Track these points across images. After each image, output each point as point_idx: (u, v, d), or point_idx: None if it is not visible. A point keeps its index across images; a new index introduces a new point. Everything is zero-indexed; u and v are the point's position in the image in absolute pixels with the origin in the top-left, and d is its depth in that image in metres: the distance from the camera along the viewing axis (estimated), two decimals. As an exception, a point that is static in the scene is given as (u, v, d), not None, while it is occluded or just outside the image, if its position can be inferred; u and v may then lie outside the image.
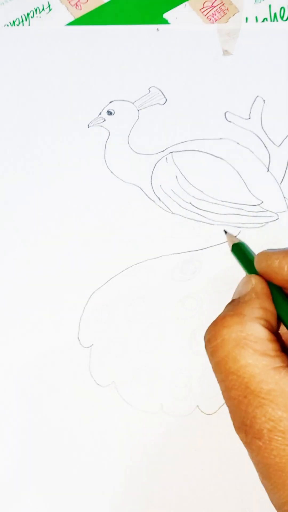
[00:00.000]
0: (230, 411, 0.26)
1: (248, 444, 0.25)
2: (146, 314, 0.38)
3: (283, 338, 0.30)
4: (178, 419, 0.36)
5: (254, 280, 0.30)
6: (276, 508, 0.25)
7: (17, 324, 0.38)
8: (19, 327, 0.38)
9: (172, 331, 0.37)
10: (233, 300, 0.29)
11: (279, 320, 0.29)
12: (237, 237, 0.36)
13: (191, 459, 0.36)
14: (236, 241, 0.34)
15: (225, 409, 0.35)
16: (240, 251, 0.33)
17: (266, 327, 0.27)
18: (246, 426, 0.25)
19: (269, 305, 0.28)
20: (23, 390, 0.37)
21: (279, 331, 0.30)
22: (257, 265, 0.30)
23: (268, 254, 0.30)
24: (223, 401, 0.35)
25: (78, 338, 0.38)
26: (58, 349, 0.37)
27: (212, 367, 0.27)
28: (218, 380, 0.27)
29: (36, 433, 0.36)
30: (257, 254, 0.31)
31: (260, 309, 0.27)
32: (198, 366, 0.37)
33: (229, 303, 0.29)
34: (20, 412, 0.37)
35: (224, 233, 0.36)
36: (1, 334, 0.38)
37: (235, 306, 0.28)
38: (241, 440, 0.26)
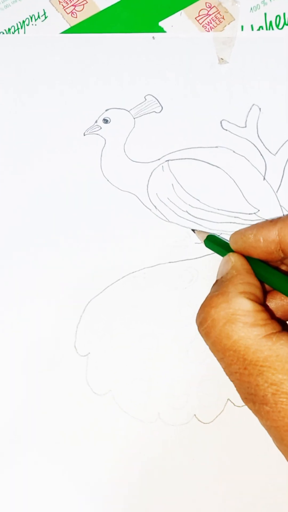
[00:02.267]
0: (235, 385, 0.27)
1: (257, 411, 0.26)
2: (143, 323, 0.38)
3: (279, 305, 0.32)
4: (175, 428, 0.36)
5: (233, 257, 0.31)
6: None
7: (13, 332, 0.38)
8: (16, 335, 0.38)
9: (169, 339, 0.37)
10: (216, 281, 0.31)
11: (270, 288, 0.31)
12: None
13: (189, 468, 0.36)
14: (207, 234, 0.36)
15: (222, 418, 0.36)
16: (214, 241, 0.35)
17: (252, 299, 0.28)
18: (252, 395, 0.26)
19: (251, 278, 0.30)
20: (19, 398, 0.37)
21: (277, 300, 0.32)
22: (233, 245, 0.32)
23: (242, 231, 0.32)
24: (220, 410, 0.36)
25: (75, 346, 0.38)
26: (55, 358, 0.37)
27: (209, 348, 0.28)
28: (217, 359, 0.28)
29: (33, 442, 0.36)
30: (232, 235, 0.32)
31: (243, 284, 0.29)
32: (196, 375, 0.37)
33: (214, 284, 0.30)
34: (17, 421, 0.37)
35: (192, 232, 0.37)
36: (-3, 344, 0.38)
37: (219, 285, 0.29)
38: (251, 409, 0.27)
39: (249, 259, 0.31)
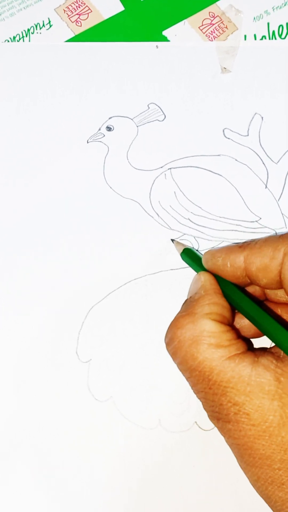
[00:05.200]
0: (202, 403, 0.28)
1: (221, 429, 0.27)
2: (145, 329, 0.38)
3: (243, 325, 0.33)
4: (176, 435, 0.36)
5: (203, 277, 0.32)
6: (253, 486, 0.27)
7: (15, 337, 0.38)
8: (18, 341, 0.38)
9: (170, 346, 0.37)
10: (185, 300, 0.31)
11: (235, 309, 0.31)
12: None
13: (189, 474, 0.36)
14: (184, 247, 0.36)
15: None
16: (190, 255, 0.35)
17: (218, 320, 0.28)
18: (216, 413, 0.27)
19: (219, 299, 0.30)
20: (21, 404, 0.37)
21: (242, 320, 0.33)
22: (204, 264, 0.32)
23: (212, 252, 0.32)
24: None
25: (76, 352, 0.38)
26: (57, 364, 0.38)
27: (177, 367, 0.29)
28: (185, 377, 0.29)
29: (34, 448, 0.36)
30: (204, 253, 0.33)
31: (210, 305, 0.29)
32: (196, 382, 0.37)
33: (183, 304, 0.31)
34: (17, 426, 0.37)
35: (171, 242, 0.37)
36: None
37: (187, 306, 0.30)
38: (216, 426, 0.28)
39: (220, 279, 0.32)
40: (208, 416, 0.28)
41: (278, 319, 0.33)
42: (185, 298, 0.32)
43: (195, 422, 0.36)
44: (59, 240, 0.40)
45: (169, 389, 0.37)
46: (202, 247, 0.39)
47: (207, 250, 0.33)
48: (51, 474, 0.36)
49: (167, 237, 0.39)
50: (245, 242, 0.31)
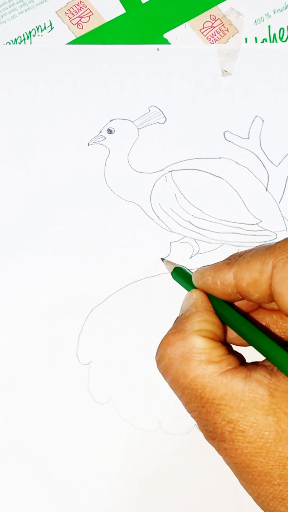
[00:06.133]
0: (196, 422, 0.28)
1: (217, 448, 0.27)
2: (145, 332, 0.38)
3: (236, 341, 0.33)
4: (176, 437, 0.36)
5: (195, 294, 0.32)
6: (255, 502, 0.27)
7: (15, 339, 0.38)
8: (18, 343, 0.38)
9: (170, 349, 0.37)
10: (177, 318, 0.31)
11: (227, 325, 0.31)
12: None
13: (189, 477, 0.36)
14: (175, 266, 0.36)
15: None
16: (181, 274, 0.35)
17: (208, 337, 0.28)
18: (211, 433, 0.27)
19: (209, 316, 0.30)
20: (21, 406, 0.37)
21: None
22: (195, 283, 0.32)
23: (201, 271, 0.32)
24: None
25: (76, 355, 0.38)
26: (57, 366, 0.38)
27: (169, 386, 0.29)
28: (177, 396, 0.29)
29: (34, 450, 0.36)
30: (194, 273, 0.32)
31: (200, 322, 0.29)
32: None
33: (174, 321, 0.31)
34: (17, 428, 0.37)
35: (161, 261, 0.37)
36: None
37: (178, 323, 0.30)
38: (212, 445, 0.27)
39: (211, 296, 0.31)
40: (204, 435, 0.28)
41: (270, 334, 0.33)
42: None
43: (195, 424, 0.36)
44: (60, 242, 0.40)
45: (169, 392, 0.36)
46: (202, 250, 0.39)
47: (196, 270, 0.32)
48: (51, 475, 0.36)
49: (167, 239, 0.39)
50: (232, 257, 0.31)
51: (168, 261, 0.37)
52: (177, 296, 0.38)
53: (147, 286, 0.39)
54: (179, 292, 0.38)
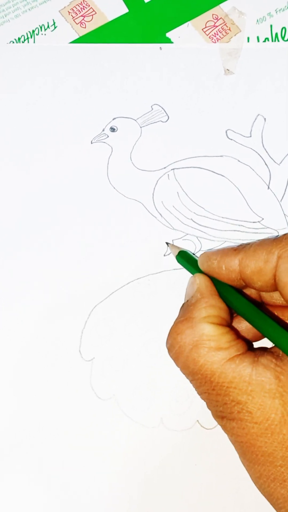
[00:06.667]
0: (206, 403, 0.29)
1: (224, 427, 0.28)
2: (147, 329, 0.38)
3: (241, 329, 0.33)
4: (178, 434, 0.36)
5: (199, 279, 0.32)
6: (254, 483, 0.27)
7: (19, 337, 0.38)
8: (21, 340, 0.38)
9: (172, 345, 0.37)
10: (183, 304, 0.31)
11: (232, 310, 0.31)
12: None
13: (191, 473, 0.36)
14: (180, 250, 0.36)
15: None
16: (185, 258, 0.35)
17: (216, 323, 0.29)
18: (220, 412, 0.28)
19: (216, 301, 0.30)
20: (23, 402, 0.37)
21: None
22: (200, 266, 0.33)
23: (207, 255, 0.32)
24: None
25: (79, 351, 0.38)
26: (60, 362, 0.38)
27: (180, 371, 0.30)
28: (188, 380, 0.29)
29: (36, 446, 0.37)
30: (200, 255, 0.33)
31: (207, 308, 0.30)
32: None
33: (181, 308, 0.31)
34: (19, 425, 0.37)
35: (166, 245, 0.37)
36: (2, 348, 0.38)
37: (184, 310, 0.30)
38: (219, 424, 0.28)
39: (215, 280, 0.32)
40: (212, 414, 0.29)
41: (276, 318, 0.33)
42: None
43: (197, 420, 0.36)
44: (63, 240, 0.40)
45: (171, 388, 0.37)
46: (204, 247, 0.39)
47: (203, 253, 0.33)
48: (53, 472, 0.36)
49: (170, 237, 0.39)
50: (240, 245, 0.31)
51: (173, 244, 0.38)
52: (179, 293, 0.38)
53: (149, 283, 0.39)
54: (182, 289, 0.38)
